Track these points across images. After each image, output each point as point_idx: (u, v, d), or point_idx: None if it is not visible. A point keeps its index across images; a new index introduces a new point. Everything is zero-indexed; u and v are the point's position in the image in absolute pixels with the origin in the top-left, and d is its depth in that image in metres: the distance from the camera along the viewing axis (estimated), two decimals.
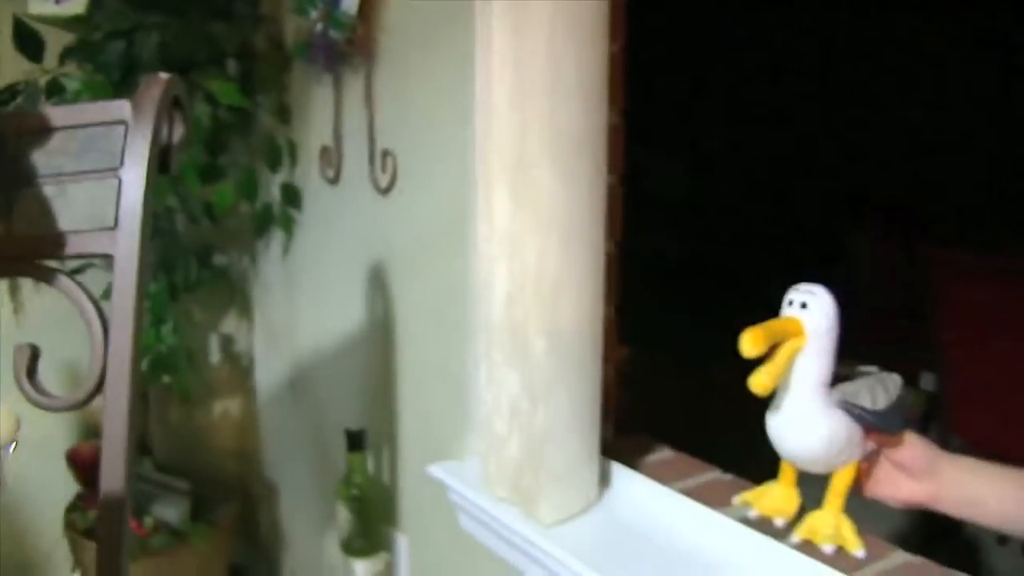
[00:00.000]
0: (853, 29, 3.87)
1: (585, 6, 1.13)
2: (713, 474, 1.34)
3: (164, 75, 1.02)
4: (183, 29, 1.90)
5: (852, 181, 3.97)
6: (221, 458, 2.52)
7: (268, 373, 2.30)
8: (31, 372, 0.95)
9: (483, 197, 1.25)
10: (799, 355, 1.00)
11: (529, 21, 1.13)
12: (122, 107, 0.98)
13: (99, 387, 0.94)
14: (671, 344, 2.48)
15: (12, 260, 0.97)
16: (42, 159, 0.99)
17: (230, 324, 2.46)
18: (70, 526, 2.18)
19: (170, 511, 2.19)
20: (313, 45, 1.75)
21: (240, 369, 2.46)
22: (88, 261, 1.61)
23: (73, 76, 1.87)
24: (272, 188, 2.02)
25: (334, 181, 1.81)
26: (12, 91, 1.91)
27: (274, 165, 1.99)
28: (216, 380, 2.47)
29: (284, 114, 1.99)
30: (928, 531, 2.80)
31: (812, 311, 1.00)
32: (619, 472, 1.34)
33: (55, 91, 1.90)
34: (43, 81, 1.90)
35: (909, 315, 3.10)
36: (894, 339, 3.14)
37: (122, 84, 1.83)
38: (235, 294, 2.35)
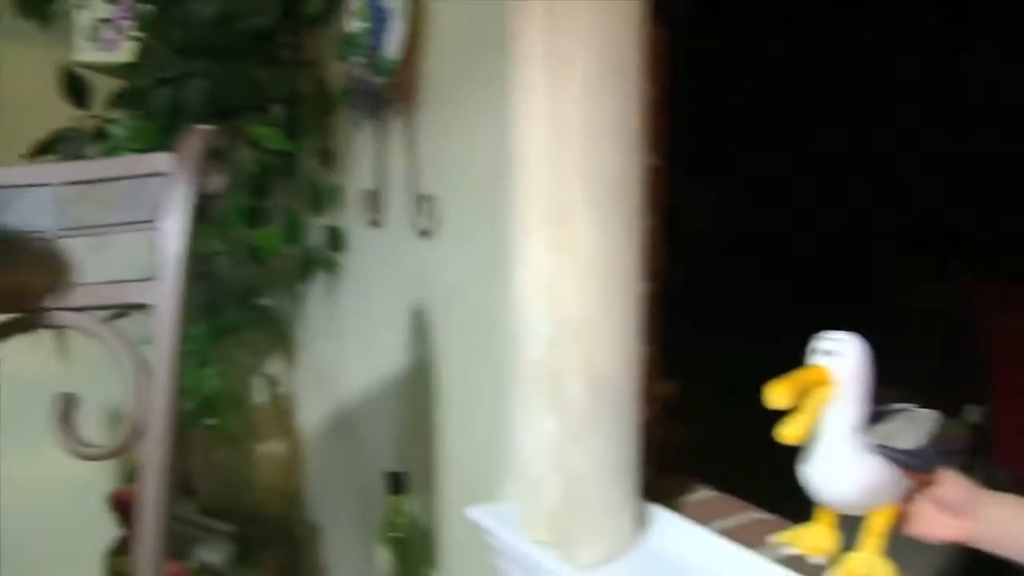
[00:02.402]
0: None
1: (619, 47, 1.13)
2: (753, 514, 1.32)
3: (203, 127, 1.04)
4: (229, 75, 1.92)
5: (897, 212, 3.93)
6: (265, 500, 2.53)
7: (312, 414, 2.31)
8: (69, 420, 0.96)
9: (521, 243, 1.24)
10: (829, 403, 0.99)
11: (563, 66, 1.13)
12: (162, 159, 1.00)
13: (137, 435, 0.94)
14: (722, 378, 2.46)
15: (53, 310, 0.99)
16: (85, 209, 1.01)
17: (274, 365, 2.47)
18: (111, 570, 2.19)
19: (213, 554, 2.19)
20: (356, 90, 1.77)
21: (283, 410, 2.47)
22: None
23: (120, 123, 1.90)
24: (315, 231, 2.03)
25: (377, 224, 1.82)
26: (59, 137, 1.95)
27: (317, 208, 2.01)
28: (260, 421, 2.49)
29: (327, 158, 2.01)
30: (976, 572, 2.74)
31: (840, 359, 0.99)
32: (658, 514, 1.32)
33: (101, 137, 1.94)
34: (89, 127, 1.94)
35: (954, 346, 3.05)
36: (938, 372, 3.08)
37: (169, 130, 1.85)
38: (279, 336, 2.36)
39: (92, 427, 2.32)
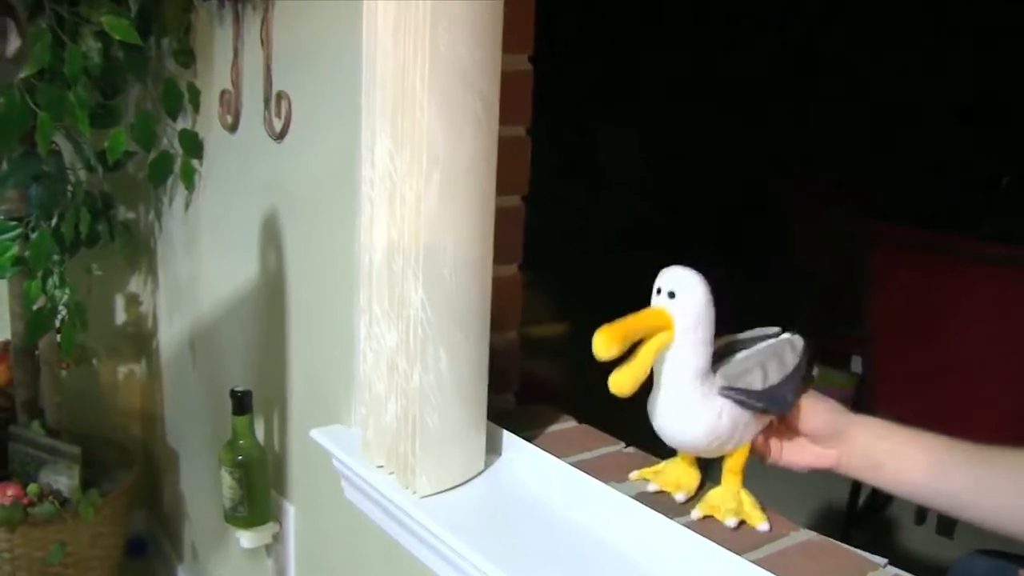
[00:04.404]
0: None
1: None
2: (615, 447, 1.24)
3: None
4: None
5: (800, 147, 3.97)
6: (122, 423, 2.40)
7: (170, 334, 2.18)
8: None
9: (366, 138, 1.14)
10: (668, 349, 0.91)
11: None
12: None
13: None
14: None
15: None
16: None
17: (135, 283, 2.34)
18: None
19: (60, 479, 2.06)
20: None
21: (144, 330, 2.34)
22: None
23: None
24: (171, 136, 1.89)
25: (233, 128, 1.69)
26: None
27: (173, 111, 1.86)
28: (117, 341, 2.35)
29: (186, 57, 1.86)
30: (850, 512, 2.79)
31: (681, 301, 0.90)
32: (511, 442, 1.24)
33: None
34: None
35: (844, 293, 3.06)
36: (829, 318, 3.09)
37: None
38: (138, 250, 2.22)
39: None
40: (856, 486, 2.73)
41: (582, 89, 4.15)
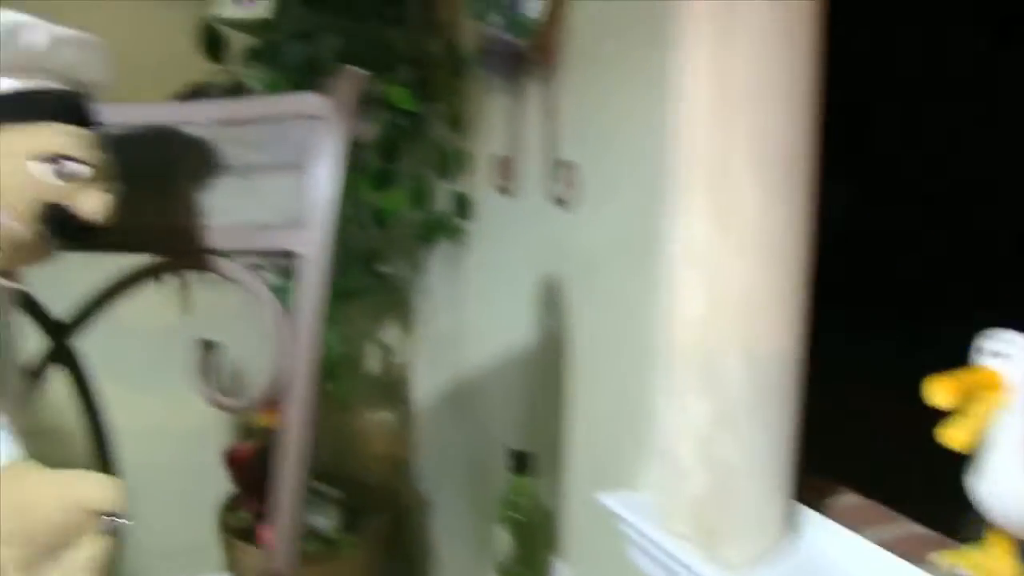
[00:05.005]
0: None
1: (796, 6, 1.04)
2: (907, 526, 1.21)
3: (358, 71, 0.98)
4: (361, 33, 1.89)
5: None
6: (373, 468, 2.50)
7: (427, 384, 2.27)
8: (210, 368, 0.93)
9: (677, 212, 1.16)
10: (1000, 411, 0.89)
11: (736, 23, 1.05)
12: (315, 101, 0.95)
13: (277, 388, 0.90)
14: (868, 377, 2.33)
15: (196, 253, 0.95)
16: (234, 149, 0.96)
17: (390, 333, 2.44)
18: (224, 526, 2.18)
19: (322, 519, 2.17)
20: (491, 52, 1.71)
21: (396, 379, 2.44)
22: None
23: (253, 77, 1.88)
24: (442, 197, 1.98)
25: (507, 192, 1.76)
26: (195, 91, 1.94)
27: (445, 174, 1.95)
28: (372, 388, 2.46)
29: (456, 122, 1.96)
30: None
31: (1015, 363, 0.88)
32: (807, 516, 1.23)
33: (236, 91, 1.92)
34: (223, 81, 1.93)
35: None
36: None
37: (301, 86, 1.83)
38: (398, 303, 2.33)
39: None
40: None
41: None
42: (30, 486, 0.78)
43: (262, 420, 2.33)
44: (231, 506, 2.22)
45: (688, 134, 1.13)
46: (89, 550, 0.78)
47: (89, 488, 0.78)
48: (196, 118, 0.97)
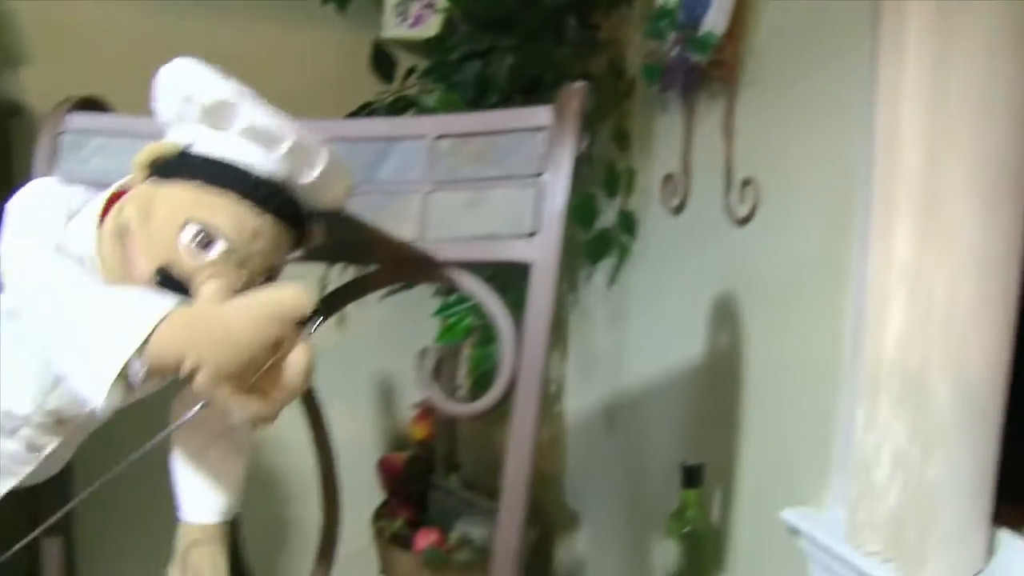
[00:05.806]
0: None
1: None
2: None
3: (580, 84, 1.01)
4: (532, 51, 1.92)
5: None
6: None
7: (580, 400, 2.28)
8: (441, 373, 0.95)
9: (879, 229, 1.15)
10: None
11: (957, 30, 1.03)
12: (543, 113, 0.97)
13: (507, 395, 0.92)
14: None
15: (428, 265, 0.98)
16: (460, 162, 0.99)
17: None
18: (379, 533, 2.23)
19: (475, 528, 2.20)
20: (668, 69, 1.71)
21: (549, 395, 2.45)
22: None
23: (430, 95, 1.93)
24: (607, 215, 2.00)
25: (678, 210, 1.76)
26: (367, 111, 2.00)
27: (612, 192, 1.97)
28: None
29: (623, 140, 1.97)
30: None
31: None
32: (1006, 541, 1.20)
33: (404, 110, 1.98)
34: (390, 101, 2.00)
35: None
36: None
37: (474, 103, 1.87)
38: (554, 320, 2.35)
39: (365, 395, 2.37)
40: None
41: None
42: (224, 316, 0.76)
43: (416, 432, 2.39)
44: (383, 513, 2.27)
45: (892, 151, 1.12)
46: (299, 356, 0.77)
47: (283, 300, 0.77)
48: (418, 132, 1.00)
